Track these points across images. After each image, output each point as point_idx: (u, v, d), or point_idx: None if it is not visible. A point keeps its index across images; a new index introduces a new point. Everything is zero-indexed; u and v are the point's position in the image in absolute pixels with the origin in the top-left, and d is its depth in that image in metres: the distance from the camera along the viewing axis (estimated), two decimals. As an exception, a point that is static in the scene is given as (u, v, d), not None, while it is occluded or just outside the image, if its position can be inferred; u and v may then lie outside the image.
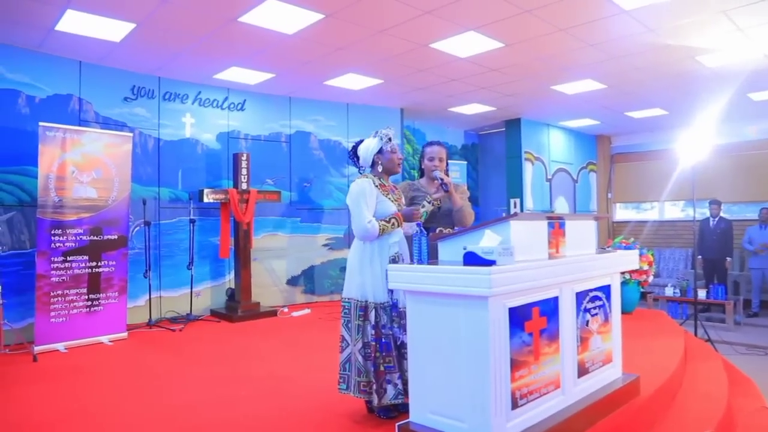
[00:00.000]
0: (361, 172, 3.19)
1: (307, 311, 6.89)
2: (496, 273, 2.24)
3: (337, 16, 4.67)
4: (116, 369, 4.32)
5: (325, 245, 7.85)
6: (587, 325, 3.03)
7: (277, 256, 7.42)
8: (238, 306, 6.42)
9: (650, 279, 6.10)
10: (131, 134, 5.63)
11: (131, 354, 4.81)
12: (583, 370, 2.97)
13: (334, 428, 2.96)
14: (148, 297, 5.97)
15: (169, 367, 4.37)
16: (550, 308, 2.71)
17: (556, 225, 2.89)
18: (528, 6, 4.49)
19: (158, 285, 6.26)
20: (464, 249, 2.44)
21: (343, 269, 7.72)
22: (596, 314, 3.13)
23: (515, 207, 9.43)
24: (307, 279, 7.68)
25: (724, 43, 5.37)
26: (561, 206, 10.32)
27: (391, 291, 2.96)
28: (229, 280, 6.91)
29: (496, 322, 2.35)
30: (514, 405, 2.45)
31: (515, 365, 2.46)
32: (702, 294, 7.55)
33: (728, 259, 8.23)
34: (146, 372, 4.22)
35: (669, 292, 8.05)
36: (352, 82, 6.86)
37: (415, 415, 2.62)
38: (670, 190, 9.90)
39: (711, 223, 8.39)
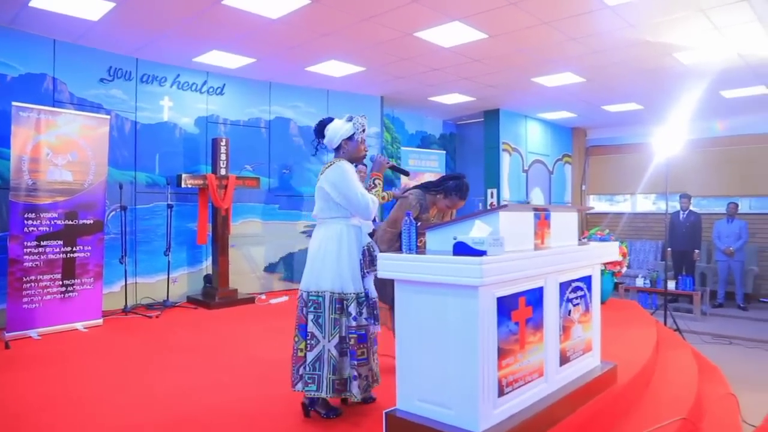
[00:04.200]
0: (317, 149, 3.11)
1: (285, 298, 6.87)
2: (487, 263, 2.27)
3: (324, 1, 4.62)
4: (93, 356, 4.24)
5: (304, 232, 7.81)
6: (569, 314, 3.11)
7: (255, 243, 7.36)
8: (215, 293, 6.36)
9: (624, 270, 6.26)
10: (108, 116, 5.50)
11: (108, 341, 4.73)
12: (564, 359, 3.04)
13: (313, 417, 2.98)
14: (123, 283, 5.87)
15: (148, 354, 4.31)
16: (535, 298, 2.77)
17: (542, 217, 2.95)
18: (514, -2, 4.52)
19: (134, 271, 6.16)
20: (454, 239, 2.46)
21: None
22: (578, 304, 3.20)
23: (492, 197, 9.54)
24: (286, 266, 7.65)
25: (700, 40, 5.50)
26: (537, 197, 10.47)
27: (363, 280, 2.90)
28: (206, 266, 6.83)
29: (485, 312, 2.39)
30: (501, 393, 2.50)
31: (502, 354, 2.51)
32: (671, 285, 7.78)
33: (696, 251, 8.48)
34: (125, 359, 4.16)
35: (639, 282, 8.26)
36: (334, 69, 6.81)
37: (402, 403, 2.65)
38: (643, 183, 10.13)
39: (681, 216, 8.61)
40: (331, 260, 2.85)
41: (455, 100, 8.67)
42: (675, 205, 8.96)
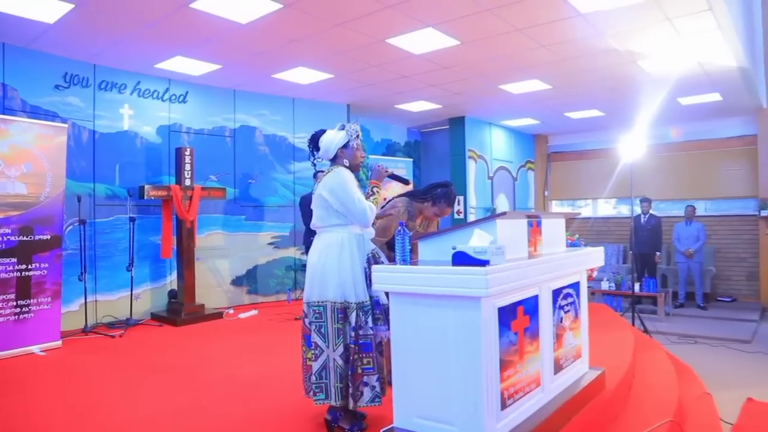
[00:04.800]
0: (315, 163, 3.06)
1: (254, 312, 6.65)
2: (492, 273, 2.20)
3: (296, 6, 4.49)
4: (56, 382, 3.94)
5: (271, 244, 7.61)
6: (561, 321, 3.07)
7: (221, 256, 7.11)
8: (181, 308, 6.09)
9: (595, 273, 6.34)
10: (66, 125, 5.18)
11: (70, 364, 4.41)
12: (558, 367, 3.00)
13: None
14: (83, 301, 5.54)
15: (118, 377, 4.03)
16: (532, 307, 2.71)
17: (534, 224, 2.91)
18: (489, 5, 4.51)
19: (93, 288, 5.82)
20: (453, 248, 2.38)
21: (289, 268, 7.59)
22: (569, 311, 3.18)
23: (459, 205, 9.55)
24: (252, 279, 7.42)
25: (664, 48, 5.64)
26: (502, 204, 10.57)
27: (369, 288, 2.84)
28: (171, 281, 6.54)
29: (487, 323, 2.32)
30: (503, 405, 2.43)
31: (503, 365, 2.44)
32: (635, 287, 7.95)
33: (657, 253, 8.70)
34: (93, 384, 3.87)
35: (605, 285, 8.42)
36: (302, 76, 6.67)
37: (399, 420, 2.54)
38: (604, 188, 10.37)
39: (642, 219, 8.83)
40: (332, 270, 2.78)
41: (421, 108, 8.66)
42: (635, 208, 9.18)
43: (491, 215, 2.55)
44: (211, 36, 5.17)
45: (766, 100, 8.42)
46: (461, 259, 2.34)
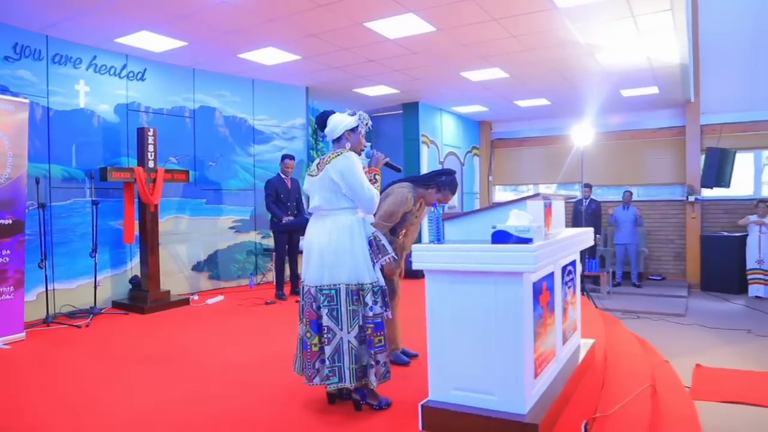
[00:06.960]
0: (320, 140, 3.13)
1: (220, 298, 6.50)
2: (537, 250, 2.34)
3: (284, -15, 4.42)
4: (30, 377, 3.65)
5: (231, 228, 7.44)
6: (566, 296, 3.29)
7: (181, 241, 6.87)
8: (146, 295, 5.84)
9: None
10: (27, 101, 4.79)
11: (42, 358, 4.11)
12: (564, 338, 3.23)
13: (337, 411, 2.89)
14: (43, 290, 5.20)
15: (100, 369, 3.80)
16: (552, 283, 2.90)
17: (548, 206, 3.09)
18: (475, -7, 4.64)
19: (51, 276, 5.46)
20: (493, 228, 2.50)
21: (250, 253, 7.44)
22: (570, 287, 3.41)
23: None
24: (213, 264, 7.23)
25: (621, 43, 6.02)
26: (451, 188, 10.83)
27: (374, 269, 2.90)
28: (132, 267, 6.25)
29: (527, 297, 2.46)
30: (536, 374, 2.60)
31: (536, 337, 2.60)
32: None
33: (597, 236, 9.30)
34: (77, 377, 3.65)
35: (551, 266, 8.90)
36: (268, 56, 6.52)
37: (436, 393, 2.65)
38: (545, 173, 10.90)
39: (583, 203, 9.41)
40: (344, 252, 2.81)
41: (379, 92, 8.69)
42: (576, 193, 9.76)
43: (524, 197, 2.69)
44: (185, 11, 4.96)
45: (693, 95, 9.17)
46: (502, 237, 2.46)
